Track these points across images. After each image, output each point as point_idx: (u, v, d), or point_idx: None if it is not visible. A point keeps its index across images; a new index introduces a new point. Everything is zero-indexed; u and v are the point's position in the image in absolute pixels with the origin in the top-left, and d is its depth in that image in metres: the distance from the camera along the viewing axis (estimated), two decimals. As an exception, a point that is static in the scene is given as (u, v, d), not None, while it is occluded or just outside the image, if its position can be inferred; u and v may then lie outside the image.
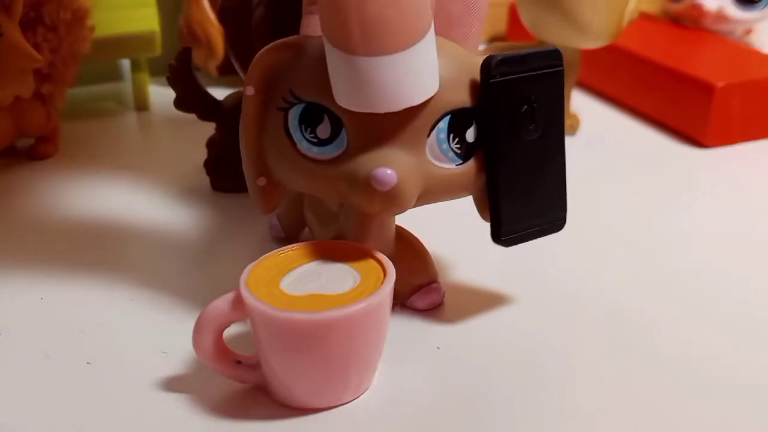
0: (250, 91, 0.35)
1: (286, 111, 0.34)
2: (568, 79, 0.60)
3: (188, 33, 0.70)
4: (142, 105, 0.68)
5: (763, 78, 0.61)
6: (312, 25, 0.38)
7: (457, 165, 0.35)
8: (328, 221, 0.40)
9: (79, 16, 0.56)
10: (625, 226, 0.49)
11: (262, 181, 0.36)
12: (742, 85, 0.60)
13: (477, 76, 0.34)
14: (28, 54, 0.52)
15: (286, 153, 0.35)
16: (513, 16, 0.81)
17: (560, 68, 0.36)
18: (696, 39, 0.72)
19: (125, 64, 0.73)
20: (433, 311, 0.40)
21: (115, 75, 0.75)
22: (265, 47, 0.35)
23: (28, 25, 0.54)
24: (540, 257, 0.45)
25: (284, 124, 0.34)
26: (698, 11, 0.72)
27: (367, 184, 0.33)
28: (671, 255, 0.46)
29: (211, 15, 0.70)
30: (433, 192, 0.35)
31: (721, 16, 0.72)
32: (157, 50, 0.67)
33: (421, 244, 0.40)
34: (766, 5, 0.72)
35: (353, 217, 0.37)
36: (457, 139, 0.34)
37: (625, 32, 0.59)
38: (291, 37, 0.35)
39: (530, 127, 0.35)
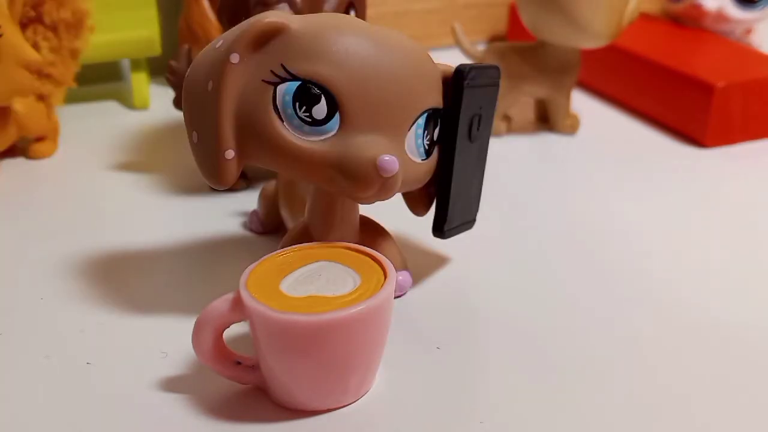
0: (235, 58, 0.34)
1: (275, 85, 0.34)
2: (569, 79, 0.61)
3: (188, 33, 0.70)
4: (142, 105, 0.68)
5: (763, 78, 0.61)
6: None
7: (422, 160, 0.37)
8: (300, 215, 0.41)
9: (79, 16, 0.56)
10: (625, 225, 0.49)
11: (230, 154, 0.34)
12: (742, 85, 0.60)
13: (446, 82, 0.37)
14: (27, 54, 0.52)
15: (268, 129, 0.34)
16: (513, 16, 0.81)
17: (499, 84, 0.40)
18: (696, 39, 0.72)
19: (125, 64, 0.73)
20: (433, 311, 0.40)
21: (115, 75, 0.75)
22: (259, 15, 0.34)
23: (27, 25, 0.54)
24: (540, 256, 0.46)
25: (273, 98, 0.34)
26: (698, 11, 0.72)
27: (372, 169, 0.33)
28: (671, 255, 0.46)
29: (211, 15, 0.70)
30: (403, 183, 0.36)
31: (721, 16, 0.72)
32: (157, 50, 0.67)
33: (388, 233, 0.41)
34: (765, 5, 0.72)
35: (319, 207, 0.38)
36: (429, 137, 0.36)
37: (625, 32, 0.59)
38: (286, 12, 0.35)
39: (476, 133, 0.39)
